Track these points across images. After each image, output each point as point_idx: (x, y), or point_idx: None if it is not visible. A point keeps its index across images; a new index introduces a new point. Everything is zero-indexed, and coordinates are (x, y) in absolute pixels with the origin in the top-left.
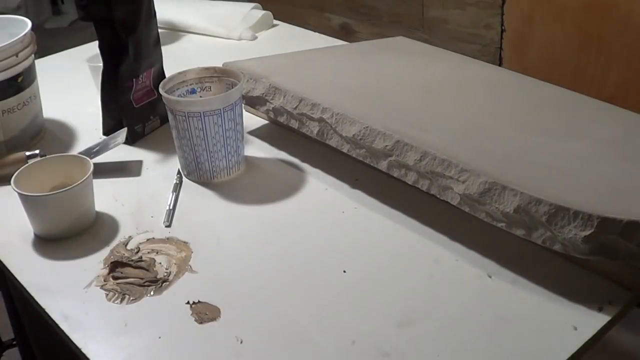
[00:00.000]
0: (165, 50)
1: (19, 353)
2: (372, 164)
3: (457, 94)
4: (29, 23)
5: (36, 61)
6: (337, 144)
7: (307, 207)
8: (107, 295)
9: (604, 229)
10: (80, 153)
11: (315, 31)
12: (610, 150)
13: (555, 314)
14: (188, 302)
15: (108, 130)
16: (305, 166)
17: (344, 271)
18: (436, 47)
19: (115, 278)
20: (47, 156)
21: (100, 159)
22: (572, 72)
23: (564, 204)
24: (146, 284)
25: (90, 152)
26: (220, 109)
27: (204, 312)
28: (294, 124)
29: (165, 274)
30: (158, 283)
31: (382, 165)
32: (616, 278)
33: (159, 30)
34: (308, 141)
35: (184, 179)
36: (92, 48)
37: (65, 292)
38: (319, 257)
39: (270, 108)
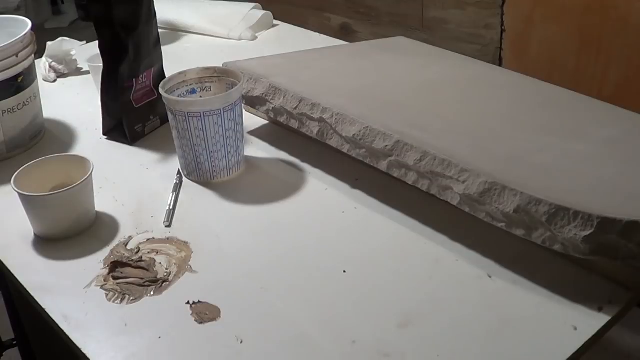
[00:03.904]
0: (165, 50)
1: (19, 353)
2: (372, 164)
3: (457, 94)
4: (29, 23)
5: (36, 61)
6: (337, 144)
7: (307, 207)
8: (107, 295)
9: (604, 229)
10: None
11: (315, 31)
12: (610, 150)
13: (555, 314)
14: (188, 302)
15: (108, 130)
16: (305, 166)
17: (344, 271)
18: (436, 47)
19: (115, 278)
20: (47, 156)
21: (99, 159)
22: (572, 72)
23: (564, 204)
24: (146, 284)
25: None
26: (220, 109)
27: (204, 312)
28: (294, 124)
29: (165, 274)
30: (158, 283)
31: (382, 165)
32: (616, 278)
33: (159, 30)
34: (308, 141)
35: (184, 179)
36: (92, 48)
37: (65, 292)
38: (319, 257)
39: (270, 108)
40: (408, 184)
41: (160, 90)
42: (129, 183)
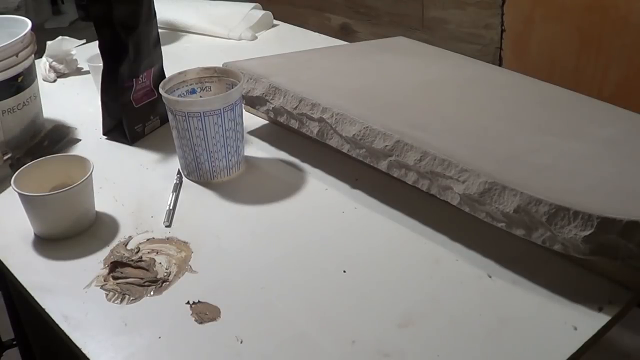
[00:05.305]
0: (165, 50)
1: (19, 353)
2: (372, 164)
3: (458, 94)
4: (29, 23)
5: (36, 61)
6: (337, 144)
7: (307, 207)
8: (107, 295)
9: (604, 229)
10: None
11: (315, 31)
12: (610, 150)
13: (555, 314)
14: (188, 302)
15: (108, 130)
16: (305, 166)
17: (344, 271)
18: (436, 47)
19: (115, 278)
20: (47, 156)
21: (99, 159)
22: (572, 72)
23: (564, 204)
24: (146, 284)
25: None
26: (220, 109)
27: (204, 312)
28: (294, 124)
29: (165, 274)
30: (158, 283)
31: (382, 165)
32: (616, 278)
33: (159, 30)
34: (308, 141)
35: (184, 179)
36: (92, 48)
37: (65, 292)
38: (319, 257)
39: (270, 108)
40: (408, 184)
41: (160, 90)
42: (129, 183)
